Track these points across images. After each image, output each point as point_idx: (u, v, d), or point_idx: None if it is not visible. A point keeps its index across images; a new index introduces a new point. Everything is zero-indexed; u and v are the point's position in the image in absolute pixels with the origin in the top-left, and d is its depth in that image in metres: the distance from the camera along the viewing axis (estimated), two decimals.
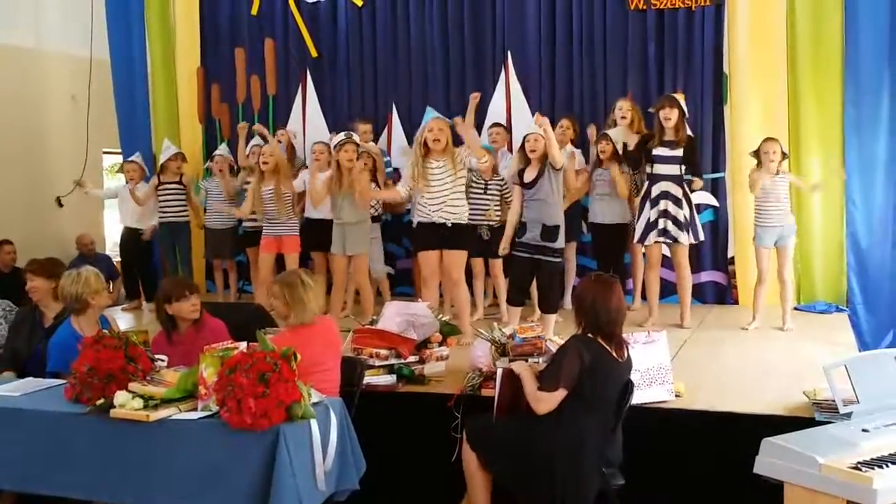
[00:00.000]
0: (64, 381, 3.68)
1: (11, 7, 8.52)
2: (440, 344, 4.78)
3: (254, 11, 8.22)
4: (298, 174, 7.06)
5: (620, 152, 6.39)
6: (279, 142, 7.23)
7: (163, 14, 8.39)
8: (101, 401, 3.36)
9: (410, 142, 7.16)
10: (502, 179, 6.52)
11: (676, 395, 4.12)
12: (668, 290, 6.61)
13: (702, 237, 6.20)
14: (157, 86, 8.46)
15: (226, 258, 7.69)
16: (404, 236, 7.61)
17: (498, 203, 6.50)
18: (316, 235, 6.87)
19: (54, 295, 4.42)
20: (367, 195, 6.22)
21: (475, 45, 7.65)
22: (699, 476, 3.88)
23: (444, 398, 4.20)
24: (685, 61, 7.06)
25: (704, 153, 6.94)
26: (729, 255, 7.07)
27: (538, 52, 7.47)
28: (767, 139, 5.96)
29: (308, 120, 8.06)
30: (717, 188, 7.07)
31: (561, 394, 3.42)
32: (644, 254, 6.39)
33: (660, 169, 6.03)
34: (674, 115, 5.96)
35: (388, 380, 4.39)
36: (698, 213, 6.34)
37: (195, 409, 3.29)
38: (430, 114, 5.72)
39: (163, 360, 3.80)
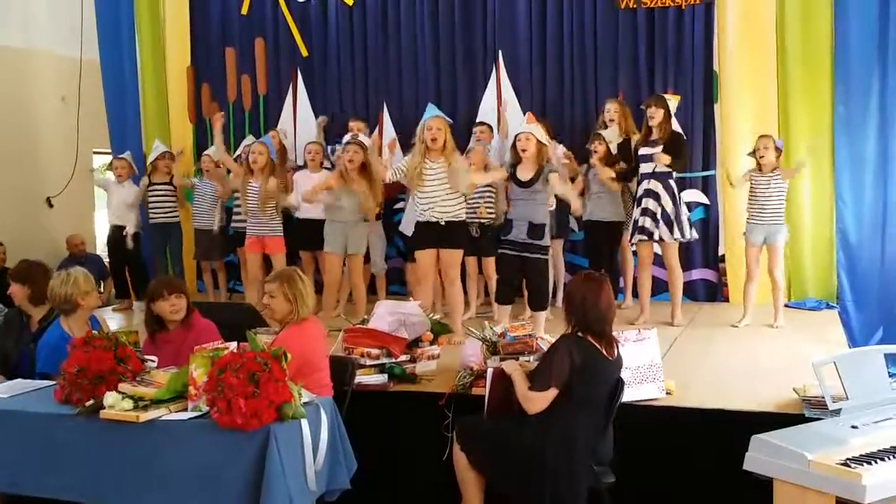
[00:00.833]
0: (53, 383, 3.66)
1: (0, 7, 8.47)
2: (431, 343, 4.79)
3: (244, 11, 8.20)
4: (292, 175, 7.03)
5: (614, 152, 6.40)
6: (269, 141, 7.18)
7: (153, 14, 8.37)
8: (91, 402, 3.34)
9: (401, 141, 7.13)
10: None
11: (667, 393, 4.13)
12: (660, 287, 6.64)
13: (690, 235, 6.13)
14: (147, 86, 8.44)
15: (214, 259, 7.67)
16: (395, 236, 7.60)
17: (490, 200, 6.51)
18: (306, 235, 6.86)
19: (31, 299, 4.39)
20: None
21: (466, 45, 7.65)
22: (690, 473, 3.89)
23: (435, 397, 4.21)
24: (675, 60, 7.08)
25: (695, 151, 6.97)
26: (720, 253, 7.09)
27: (529, 51, 7.49)
28: (760, 136, 5.99)
29: (299, 119, 8.05)
30: (707, 186, 7.10)
31: (552, 393, 3.42)
32: (634, 252, 6.40)
33: (645, 168, 6.05)
34: (658, 114, 5.97)
35: (379, 379, 4.38)
36: (689, 211, 6.34)
37: (185, 410, 3.28)
38: (431, 110, 5.65)
39: (153, 361, 3.78)
